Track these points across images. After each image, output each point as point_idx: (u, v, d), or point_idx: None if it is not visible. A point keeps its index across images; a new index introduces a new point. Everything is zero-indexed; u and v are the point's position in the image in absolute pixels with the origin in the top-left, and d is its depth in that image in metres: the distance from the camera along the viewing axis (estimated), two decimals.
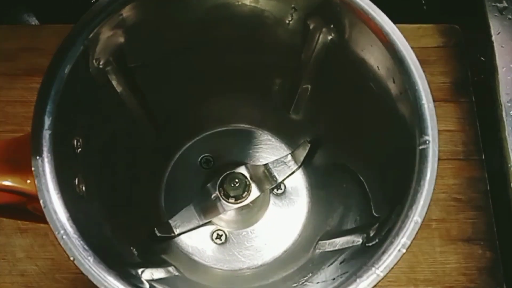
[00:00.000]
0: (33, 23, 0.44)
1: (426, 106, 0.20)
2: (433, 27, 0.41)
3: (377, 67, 0.23)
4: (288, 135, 0.35)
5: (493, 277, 0.34)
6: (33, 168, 0.20)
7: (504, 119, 0.38)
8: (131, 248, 0.27)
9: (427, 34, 0.41)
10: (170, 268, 0.28)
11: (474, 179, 0.37)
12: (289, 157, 0.34)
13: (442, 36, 0.41)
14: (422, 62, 0.21)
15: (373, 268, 0.19)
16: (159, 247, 0.32)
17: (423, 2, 0.47)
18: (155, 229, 0.32)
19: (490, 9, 0.42)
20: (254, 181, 0.31)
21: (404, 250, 0.19)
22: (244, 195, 0.31)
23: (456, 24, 0.42)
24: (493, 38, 0.42)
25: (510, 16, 0.41)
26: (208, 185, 0.32)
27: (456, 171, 0.37)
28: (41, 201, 0.20)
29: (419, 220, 0.19)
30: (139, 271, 0.24)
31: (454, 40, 0.41)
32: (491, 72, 0.41)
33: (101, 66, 0.24)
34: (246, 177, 0.31)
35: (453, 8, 0.45)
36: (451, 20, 0.42)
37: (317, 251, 0.27)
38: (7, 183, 0.21)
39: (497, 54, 0.41)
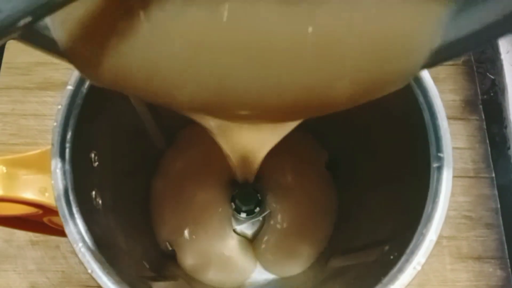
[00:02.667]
0: None
1: (440, 124, 0.20)
2: None
3: None
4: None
5: None
6: (52, 182, 0.20)
7: None
8: (144, 261, 0.27)
9: None
10: (182, 281, 0.28)
11: (484, 197, 0.37)
12: None
13: None
14: (432, 80, 0.22)
15: (388, 285, 0.19)
16: (171, 261, 0.32)
17: None
18: (167, 242, 0.32)
19: None
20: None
21: (419, 268, 0.19)
22: (256, 210, 0.31)
23: None
24: (502, 56, 0.42)
25: None
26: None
27: (466, 189, 0.37)
28: (60, 214, 0.20)
29: (434, 238, 0.19)
30: (152, 284, 0.25)
31: (463, 58, 0.41)
32: (500, 90, 0.41)
33: None
34: (257, 193, 0.31)
35: None
36: None
37: (331, 265, 0.27)
38: (26, 195, 0.22)
39: (506, 73, 0.41)
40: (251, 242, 0.32)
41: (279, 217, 0.32)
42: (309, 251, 0.31)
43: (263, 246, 0.32)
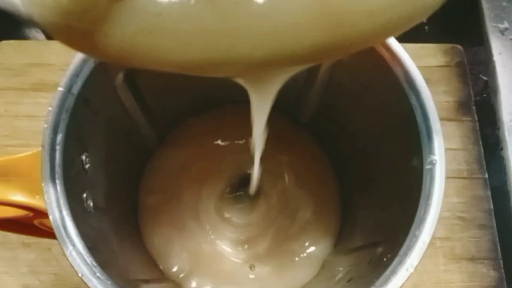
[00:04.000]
0: (41, 39, 0.45)
1: (432, 126, 0.20)
2: (436, 46, 0.42)
3: (384, 86, 0.23)
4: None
5: None
6: (42, 184, 0.20)
7: (507, 138, 0.39)
8: (136, 264, 0.27)
9: (429, 54, 0.41)
10: (176, 285, 0.28)
11: (478, 198, 0.37)
12: None
13: (444, 56, 0.41)
14: (425, 82, 0.22)
15: None
16: None
17: (425, 22, 0.47)
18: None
19: (491, 30, 0.42)
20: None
21: (412, 270, 0.19)
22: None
23: (459, 44, 0.42)
24: (495, 58, 0.42)
25: (511, 37, 0.42)
26: None
27: (459, 190, 0.37)
28: (50, 217, 0.20)
29: (427, 240, 0.19)
30: (148, 287, 0.24)
31: (456, 60, 0.41)
32: (493, 91, 0.41)
33: (111, 82, 0.24)
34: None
35: (455, 28, 0.45)
36: (454, 40, 0.42)
37: (324, 268, 0.27)
38: (16, 198, 0.21)
39: (499, 74, 0.41)
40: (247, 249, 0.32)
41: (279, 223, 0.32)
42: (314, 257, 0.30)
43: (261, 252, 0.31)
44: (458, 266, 0.35)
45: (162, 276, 0.30)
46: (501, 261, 0.35)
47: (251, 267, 0.31)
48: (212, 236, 0.31)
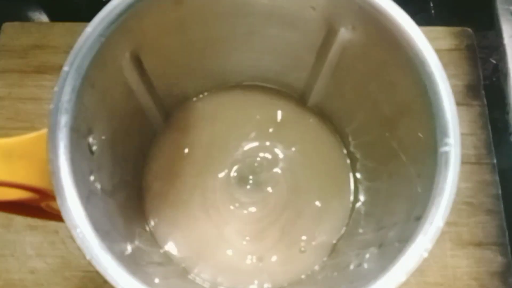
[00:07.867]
0: (44, 21, 0.44)
1: (448, 107, 0.20)
2: (445, 29, 0.41)
3: (397, 67, 0.23)
4: None
5: (504, 282, 0.34)
6: (49, 165, 0.20)
7: None
8: (144, 248, 0.27)
9: (439, 37, 0.41)
10: (182, 268, 0.28)
11: (486, 183, 0.36)
12: None
13: (454, 39, 0.41)
14: None
15: (394, 272, 0.18)
16: None
17: (432, 5, 0.47)
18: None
19: (502, 12, 0.42)
20: None
21: (426, 255, 0.18)
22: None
23: (468, 26, 0.41)
24: (505, 41, 0.41)
25: None
26: None
27: (467, 175, 0.37)
28: (57, 199, 0.19)
29: (441, 224, 0.19)
30: (152, 270, 0.24)
31: (466, 43, 0.40)
32: (503, 75, 0.41)
33: (117, 63, 0.24)
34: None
35: (465, 11, 0.45)
36: (463, 23, 0.42)
37: (333, 253, 0.27)
38: (22, 180, 0.21)
39: (509, 58, 0.41)
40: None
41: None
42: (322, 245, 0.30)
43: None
44: (465, 252, 0.35)
45: (169, 260, 0.30)
46: (509, 247, 0.35)
47: (258, 258, 0.30)
48: (218, 225, 0.31)
